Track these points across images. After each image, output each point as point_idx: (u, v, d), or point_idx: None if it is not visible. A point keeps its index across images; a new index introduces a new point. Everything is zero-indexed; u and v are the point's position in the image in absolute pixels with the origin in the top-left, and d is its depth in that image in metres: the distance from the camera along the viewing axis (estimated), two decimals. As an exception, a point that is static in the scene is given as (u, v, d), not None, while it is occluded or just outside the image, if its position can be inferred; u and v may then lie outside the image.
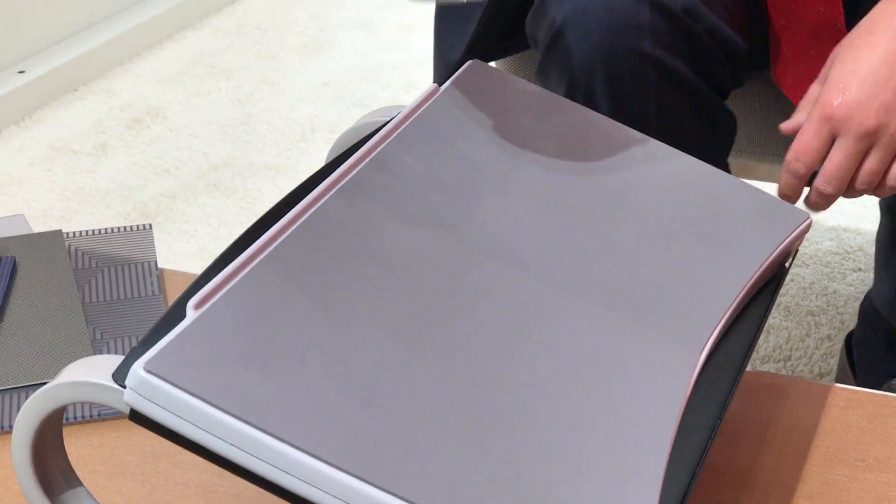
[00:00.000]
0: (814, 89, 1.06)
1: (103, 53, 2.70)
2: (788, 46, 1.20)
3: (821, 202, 1.04)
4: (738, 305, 0.83)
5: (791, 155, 1.03)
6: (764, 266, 0.86)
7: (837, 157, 1.01)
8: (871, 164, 1.01)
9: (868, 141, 1.00)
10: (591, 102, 1.08)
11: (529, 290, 0.79)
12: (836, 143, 1.01)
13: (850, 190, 1.03)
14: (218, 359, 0.67)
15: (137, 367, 0.66)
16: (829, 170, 1.01)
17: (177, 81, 2.65)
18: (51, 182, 2.26)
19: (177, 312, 0.71)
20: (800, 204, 0.97)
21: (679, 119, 1.10)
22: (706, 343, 0.78)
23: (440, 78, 1.22)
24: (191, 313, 0.70)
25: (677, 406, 0.73)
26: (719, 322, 0.80)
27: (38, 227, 2.07)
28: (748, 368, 0.94)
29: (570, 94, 1.10)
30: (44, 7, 2.64)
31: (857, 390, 0.96)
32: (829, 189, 1.02)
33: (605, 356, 0.75)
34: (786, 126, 1.06)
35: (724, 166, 1.17)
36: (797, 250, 0.92)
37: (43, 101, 2.56)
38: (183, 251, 2.05)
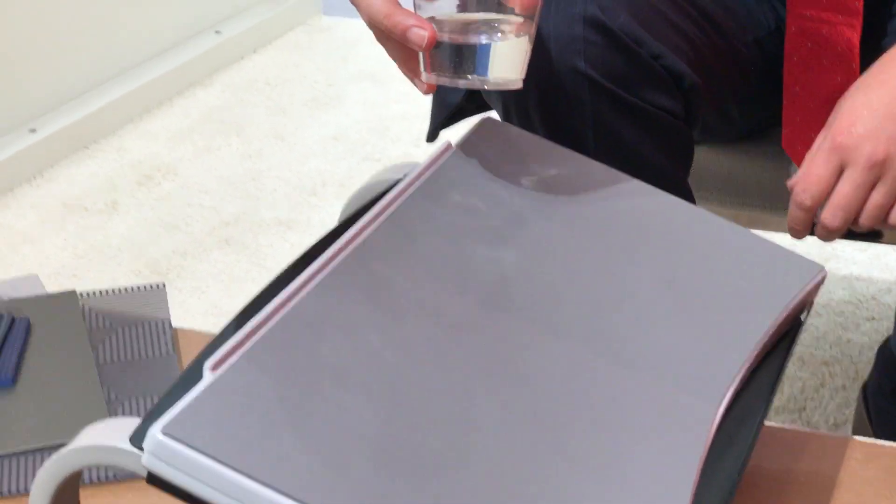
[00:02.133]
0: (821, 136, 1.06)
1: (114, 111, 2.72)
2: (801, 114, 1.20)
3: (827, 236, 1.04)
4: (754, 359, 0.83)
5: (799, 186, 1.02)
6: (780, 319, 0.85)
7: (845, 188, 1.00)
8: (879, 197, 1.01)
9: (877, 172, 1.00)
10: (526, 119, 1.07)
11: (548, 348, 0.78)
12: (845, 174, 1.00)
13: (856, 224, 1.03)
14: (236, 421, 0.67)
15: (155, 431, 0.66)
16: (836, 201, 1.01)
17: (187, 138, 2.66)
18: (63, 240, 2.27)
19: (193, 374, 0.71)
20: (815, 257, 0.97)
21: (621, 139, 1.07)
22: (724, 397, 0.78)
23: (437, 121, 1.22)
24: (207, 375, 0.70)
25: (696, 461, 0.73)
26: (737, 376, 0.80)
27: (50, 286, 2.07)
28: (770, 423, 0.93)
29: (506, 112, 1.09)
30: (54, 66, 2.65)
31: (875, 443, 0.95)
32: (835, 222, 1.01)
33: (624, 412, 0.75)
34: (791, 181, 1.06)
35: (685, 187, 1.15)
36: (812, 303, 0.92)
37: (54, 160, 2.57)
38: (195, 308, 2.04)
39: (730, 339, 0.83)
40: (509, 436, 0.72)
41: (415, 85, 0.93)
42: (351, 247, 0.82)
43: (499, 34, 0.89)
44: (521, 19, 0.89)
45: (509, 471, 0.70)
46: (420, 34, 0.87)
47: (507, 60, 0.90)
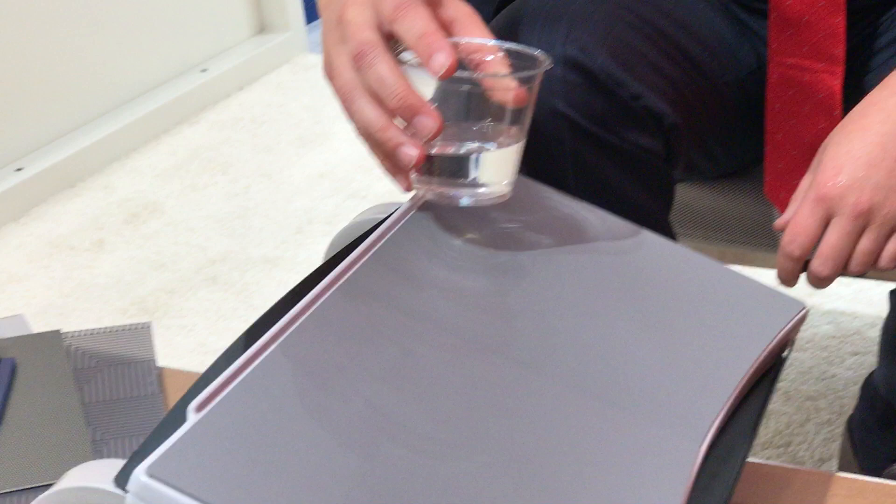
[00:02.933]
0: (805, 180, 1.06)
1: (100, 149, 2.72)
2: (784, 161, 1.21)
3: (818, 284, 1.04)
4: (737, 397, 0.83)
5: (787, 238, 1.03)
6: (761, 357, 0.86)
7: (833, 238, 1.01)
8: (866, 244, 1.01)
9: (863, 221, 1.00)
10: None
11: (532, 388, 0.79)
12: (832, 224, 1.01)
13: (846, 271, 1.03)
14: (220, 463, 0.67)
15: (139, 472, 0.66)
16: (825, 251, 1.01)
17: (174, 176, 2.66)
18: (49, 279, 2.27)
19: (177, 415, 0.71)
20: (797, 292, 0.97)
21: (602, 178, 1.07)
22: (706, 436, 0.78)
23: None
24: (192, 416, 0.70)
25: (680, 500, 0.73)
26: (719, 414, 0.80)
27: (36, 324, 2.07)
28: (753, 459, 0.93)
29: None
30: (41, 104, 2.66)
31: (859, 479, 0.95)
32: (825, 271, 1.02)
33: (607, 451, 0.75)
34: (779, 222, 1.06)
35: (666, 225, 1.15)
36: (794, 339, 0.93)
37: (41, 198, 2.57)
38: (182, 346, 2.05)
39: (712, 377, 0.83)
40: (495, 478, 0.72)
41: (395, 182, 0.91)
42: (335, 287, 0.82)
43: (488, 146, 0.88)
44: (511, 127, 0.88)
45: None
46: (409, 154, 0.85)
47: (495, 173, 0.89)
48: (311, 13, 3.59)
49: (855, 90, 1.17)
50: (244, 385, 0.73)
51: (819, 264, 1.02)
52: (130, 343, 1.16)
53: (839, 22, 1.15)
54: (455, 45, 0.87)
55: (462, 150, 0.88)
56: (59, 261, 2.33)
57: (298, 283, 0.84)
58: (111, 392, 1.09)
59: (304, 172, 2.65)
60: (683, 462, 0.76)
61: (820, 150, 1.06)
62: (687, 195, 1.40)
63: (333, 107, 3.10)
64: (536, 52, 0.89)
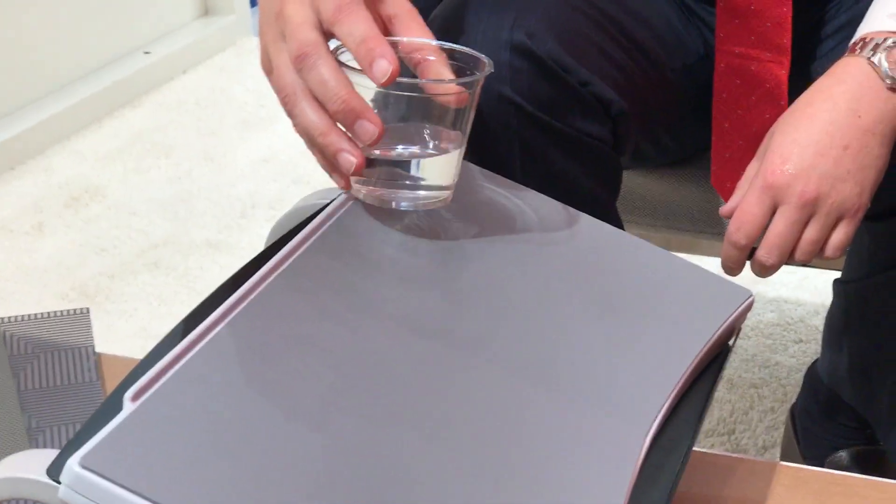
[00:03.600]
0: (752, 166, 1.06)
1: (41, 131, 2.69)
2: (730, 150, 1.21)
3: (763, 273, 1.05)
4: (682, 386, 0.82)
5: (733, 226, 1.03)
6: (707, 345, 0.85)
7: (779, 227, 1.01)
8: (812, 233, 1.01)
9: (809, 209, 1.00)
10: None
11: (474, 375, 0.78)
12: (778, 213, 1.01)
13: (791, 259, 1.03)
14: (156, 453, 0.66)
15: (72, 463, 0.64)
16: (771, 239, 1.01)
17: (116, 159, 2.63)
18: (-13, 262, 2.24)
19: (113, 404, 0.70)
20: (743, 280, 0.97)
21: (549, 165, 1.07)
22: (652, 424, 0.78)
23: None
24: (127, 405, 0.68)
25: (624, 490, 0.72)
26: (664, 404, 0.80)
27: (-26, 309, 2.05)
28: (698, 448, 0.93)
29: None
30: (-21, 86, 2.62)
31: (803, 468, 0.95)
32: (770, 259, 1.02)
33: (550, 440, 0.74)
34: (725, 209, 1.06)
35: (613, 213, 1.15)
36: (741, 328, 0.92)
37: (-21, 181, 2.54)
38: (123, 331, 2.02)
39: (658, 365, 0.82)
40: (437, 464, 0.71)
41: (332, 179, 0.89)
42: (276, 273, 0.81)
43: (430, 150, 0.87)
44: (452, 131, 0.87)
45: (433, 498, 0.69)
46: (349, 161, 0.84)
47: (437, 177, 0.88)
48: (256, -4, 3.56)
49: (801, 78, 1.17)
50: (182, 373, 0.71)
51: (765, 253, 1.02)
52: (69, 329, 1.14)
53: (786, 12, 1.15)
54: (396, 47, 0.86)
55: (403, 154, 0.87)
56: (-3, 244, 2.30)
57: (239, 269, 0.83)
58: (48, 379, 1.07)
59: (248, 156, 2.63)
60: (628, 453, 0.75)
61: (767, 137, 1.06)
62: (634, 182, 1.40)
63: (278, 91, 3.05)
64: (479, 55, 0.88)
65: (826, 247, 1.03)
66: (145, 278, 2.18)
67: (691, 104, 1.26)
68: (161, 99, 2.95)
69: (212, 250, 2.27)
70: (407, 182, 0.87)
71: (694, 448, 0.94)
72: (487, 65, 0.87)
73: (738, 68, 1.19)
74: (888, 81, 1.01)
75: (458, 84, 0.85)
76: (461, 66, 0.88)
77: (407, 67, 0.87)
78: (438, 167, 0.88)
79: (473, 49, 0.93)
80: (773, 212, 1.02)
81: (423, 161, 0.87)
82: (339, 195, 0.90)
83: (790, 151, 1.01)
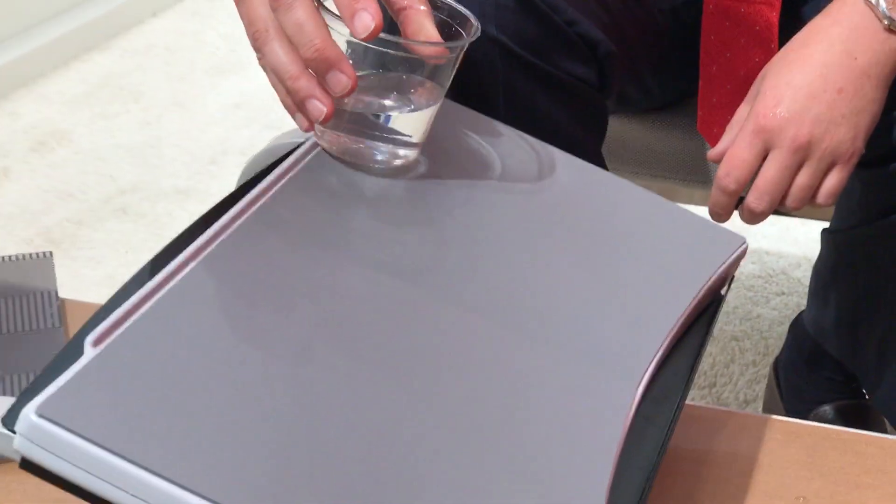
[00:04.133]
0: (742, 110, 1.04)
1: (6, 74, 2.64)
2: (718, 95, 1.18)
3: (752, 219, 1.03)
4: (675, 335, 0.79)
5: (722, 170, 1.01)
6: (701, 293, 0.82)
7: (770, 172, 0.99)
8: (804, 178, 1.00)
9: (801, 154, 0.98)
10: None
11: (461, 326, 0.74)
12: (769, 157, 0.99)
13: (782, 206, 1.01)
14: (117, 402, 0.62)
15: (28, 412, 0.60)
16: (762, 185, 0.99)
17: (83, 103, 2.58)
18: (-50, 207, 2.19)
19: (74, 349, 0.65)
20: (734, 226, 0.94)
21: (533, 107, 1.04)
22: (642, 377, 0.75)
23: None
24: (88, 351, 0.64)
25: (615, 443, 0.70)
26: (656, 354, 0.77)
27: (-64, 254, 2.00)
28: (691, 402, 0.90)
29: None
30: (-57, 26, 2.57)
31: (794, 422, 0.93)
32: (761, 205, 1.00)
33: (540, 393, 0.72)
34: (713, 153, 1.04)
35: (598, 157, 1.12)
36: (733, 276, 0.89)
37: (-57, 123, 2.49)
38: (89, 278, 1.98)
39: (650, 314, 0.80)
40: (419, 419, 0.67)
41: (294, 119, 0.85)
42: (246, 215, 0.77)
43: (404, 106, 0.83)
44: (430, 88, 0.84)
45: (419, 458, 0.65)
46: (318, 109, 0.80)
47: (408, 134, 0.84)
48: (229, -61, 3.50)
49: (793, 20, 1.15)
50: (147, 317, 0.67)
51: (755, 199, 1.00)
52: (31, 273, 1.10)
53: None
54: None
55: (375, 108, 0.83)
56: (-39, 189, 2.25)
57: (208, 210, 0.79)
58: (9, 325, 1.03)
59: (219, 102, 2.58)
60: (620, 404, 0.72)
61: (758, 78, 1.03)
62: (617, 128, 1.37)
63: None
64: (467, 13, 0.84)
65: (818, 193, 1.01)
66: (113, 225, 2.14)
67: (678, 48, 1.24)
68: (130, 43, 2.89)
69: (181, 197, 2.23)
70: (375, 134, 0.84)
71: (694, 402, 0.92)
72: (474, 26, 0.83)
73: (727, 10, 1.16)
74: (885, 22, 0.99)
75: (442, 47, 0.82)
76: (447, 21, 0.85)
77: (389, 14, 0.84)
78: (410, 123, 0.85)
79: None
80: (765, 156, 1.00)
81: (395, 116, 0.84)
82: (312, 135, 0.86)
83: (783, 94, 0.99)
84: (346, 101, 0.82)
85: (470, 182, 0.86)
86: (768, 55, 1.10)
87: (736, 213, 1.04)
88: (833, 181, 1.01)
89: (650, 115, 1.37)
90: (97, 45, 2.86)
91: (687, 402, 0.88)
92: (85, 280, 1.98)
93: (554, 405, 0.71)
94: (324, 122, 0.81)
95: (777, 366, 1.52)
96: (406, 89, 0.84)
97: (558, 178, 0.89)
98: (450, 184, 0.86)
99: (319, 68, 0.79)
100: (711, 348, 1.76)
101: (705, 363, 1.72)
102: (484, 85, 1.02)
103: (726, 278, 0.87)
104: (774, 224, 2.02)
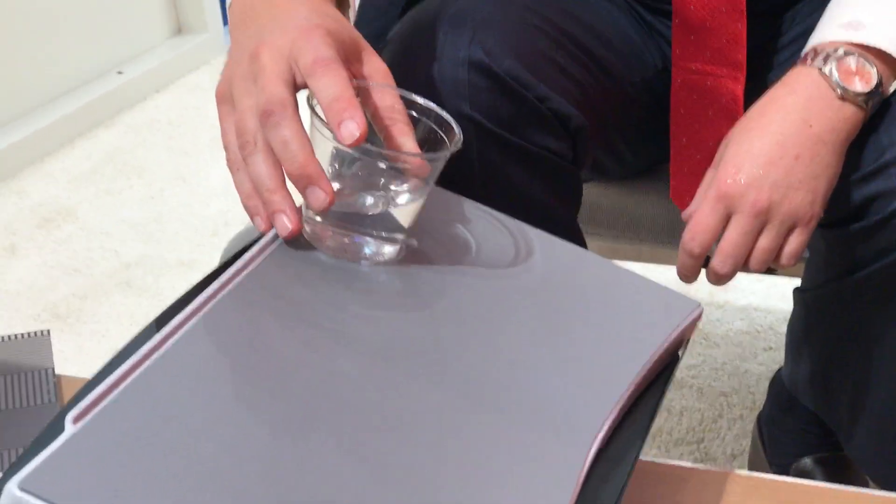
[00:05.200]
0: (707, 176, 1.07)
1: (14, 153, 2.68)
2: (688, 165, 1.21)
3: (718, 281, 1.05)
4: (630, 397, 0.82)
5: (687, 235, 1.04)
6: (655, 357, 0.85)
7: (733, 236, 1.02)
8: (766, 241, 1.02)
9: (762, 218, 1.01)
10: None
11: (417, 394, 0.77)
12: (732, 222, 1.02)
13: (746, 268, 1.04)
14: (97, 475, 0.66)
15: (11, 486, 0.64)
16: (725, 248, 1.02)
17: (88, 180, 2.63)
18: (-41, 285, 2.24)
19: (57, 425, 0.70)
20: (712, 289, 0.97)
21: (509, 181, 1.07)
22: (595, 439, 0.78)
23: None
24: (69, 427, 0.68)
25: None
26: (609, 416, 0.80)
27: (-55, 332, 2.04)
28: (653, 459, 0.93)
29: None
30: (-49, 109, 2.62)
31: (765, 478, 0.95)
32: (724, 268, 1.03)
33: (490, 458, 0.74)
34: (684, 214, 1.06)
35: (574, 227, 1.15)
36: (689, 339, 0.92)
37: (-48, 203, 2.54)
38: (94, 352, 2.02)
39: (605, 378, 0.82)
40: (379, 484, 0.71)
41: (252, 221, 0.88)
42: (223, 292, 0.81)
43: (392, 202, 0.86)
44: (415, 185, 0.87)
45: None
46: (285, 226, 0.85)
47: (394, 228, 0.88)
48: (229, 14, 3.56)
49: (758, 89, 1.18)
50: (125, 394, 0.71)
51: (719, 262, 1.03)
52: (29, 351, 1.14)
53: (741, 28, 1.16)
54: (369, 97, 0.87)
55: (363, 205, 0.86)
56: (-30, 267, 2.30)
57: (188, 290, 0.83)
58: (6, 402, 1.07)
59: (221, 175, 2.63)
60: (571, 466, 0.75)
61: (721, 146, 1.06)
62: (596, 195, 1.40)
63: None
64: (451, 120, 0.87)
65: (780, 255, 1.04)
66: (117, 299, 2.18)
67: (650, 117, 1.27)
68: (134, 119, 2.94)
69: (185, 269, 2.27)
70: (361, 230, 0.87)
71: (657, 460, 0.95)
72: (457, 136, 0.86)
73: (695, 84, 1.19)
74: (839, 91, 1.02)
75: (424, 159, 0.85)
76: (433, 129, 0.88)
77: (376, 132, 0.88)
78: (396, 220, 0.88)
79: (433, 68, 0.93)
80: (728, 220, 1.02)
81: (380, 212, 0.87)
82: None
83: (742, 161, 1.02)
84: (334, 200, 0.84)
85: (435, 257, 0.90)
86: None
87: (704, 274, 1.07)
88: (794, 244, 1.03)
89: (627, 182, 1.39)
90: (102, 122, 2.92)
91: (670, 458, 0.91)
92: (90, 353, 2.01)
93: (509, 469, 0.74)
94: (287, 237, 0.85)
95: (760, 420, 1.54)
96: (393, 188, 0.87)
97: (520, 252, 0.92)
98: (417, 260, 0.89)
99: (300, 183, 0.83)
100: (700, 404, 1.78)
101: (693, 419, 1.75)
102: (460, 161, 1.05)
103: (682, 341, 0.90)
104: (762, 281, 2.05)
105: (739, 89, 1.17)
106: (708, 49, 1.18)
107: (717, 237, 1.03)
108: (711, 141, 1.19)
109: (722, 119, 1.18)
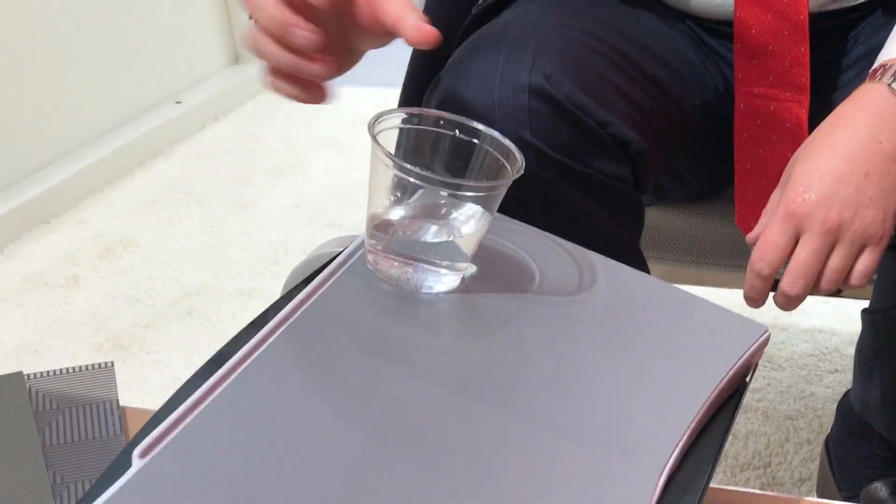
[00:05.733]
0: (774, 196, 1.06)
1: (75, 184, 2.71)
2: (753, 190, 1.20)
3: (787, 304, 1.03)
4: (698, 424, 0.82)
5: (756, 255, 1.02)
6: (722, 383, 0.84)
7: (803, 255, 1.00)
8: (836, 261, 1.00)
9: (832, 237, 0.99)
10: None
11: (492, 422, 0.77)
12: (801, 241, 1.00)
13: (816, 289, 1.02)
14: (164, 510, 0.66)
15: (81, 522, 0.64)
16: (795, 269, 1.00)
17: (148, 209, 2.65)
18: (23, 316, 2.25)
19: (125, 460, 0.70)
20: (761, 315, 0.96)
21: (570, 207, 1.06)
22: (666, 464, 0.77)
23: None
24: (136, 462, 0.69)
25: (638, 533, 0.72)
26: (679, 442, 0.79)
27: (10, 362, 2.06)
28: (719, 485, 0.92)
29: None
30: (14, 139, 2.65)
31: (818, 502, 0.94)
32: (795, 289, 1.01)
33: (564, 484, 0.74)
34: (751, 236, 1.05)
35: (636, 251, 1.14)
36: (757, 364, 0.91)
37: (15, 235, 2.56)
38: (156, 381, 2.03)
39: (673, 404, 0.82)
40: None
41: (301, 99, 0.93)
42: (284, 326, 0.81)
43: (454, 232, 0.87)
44: (478, 214, 0.87)
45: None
46: (304, 36, 0.89)
47: (456, 257, 0.88)
48: (286, 42, 3.57)
49: (822, 110, 1.17)
50: (190, 429, 0.71)
51: (789, 283, 1.01)
52: (93, 383, 1.14)
53: (804, 51, 1.15)
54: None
55: (425, 234, 0.87)
56: (33, 297, 2.31)
57: (249, 322, 0.83)
58: (72, 434, 1.07)
59: (280, 202, 2.64)
60: (642, 493, 0.74)
61: (788, 166, 1.05)
62: (659, 219, 1.39)
63: (309, 135, 3.09)
64: (513, 148, 0.87)
65: (851, 275, 1.02)
66: (179, 328, 2.19)
67: (711, 139, 1.26)
68: (192, 148, 2.97)
69: (245, 298, 2.28)
70: (424, 258, 0.87)
71: (721, 486, 0.94)
72: (519, 163, 0.86)
73: (758, 109, 1.18)
74: None
75: (486, 186, 0.85)
76: (495, 156, 0.88)
77: (435, 140, 0.89)
78: (458, 250, 0.88)
79: (493, 95, 0.93)
80: (797, 241, 1.01)
81: (443, 241, 0.87)
82: (353, 243, 0.90)
83: (811, 179, 1.00)
84: (398, 227, 0.85)
85: (502, 286, 0.89)
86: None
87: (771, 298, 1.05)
88: (865, 263, 1.01)
89: (689, 205, 1.39)
90: (161, 152, 2.94)
91: (735, 483, 0.90)
92: (153, 383, 2.02)
93: (581, 495, 0.74)
94: (310, 47, 0.88)
95: (828, 444, 1.52)
96: (455, 218, 0.87)
97: (586, 280, 0.92)
98: (483, 290, 0.89)
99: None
100: (766, 428, 1.77)
101: (759, 443, 1.73)
102: (521, 189, 1.05)
103: (749, 366, 0.89)
104: (826, 303, 2.03)
105: (804, 113, 1.16)
106: (771, 73, 1.17)
107: (787, 257, 1.01)
108: (776, 165, 1.17)
109: (786, 143, 1.17)
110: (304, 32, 0.87)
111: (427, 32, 0.86)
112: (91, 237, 2.53)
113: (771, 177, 1.18)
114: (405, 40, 0.87)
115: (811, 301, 2.05)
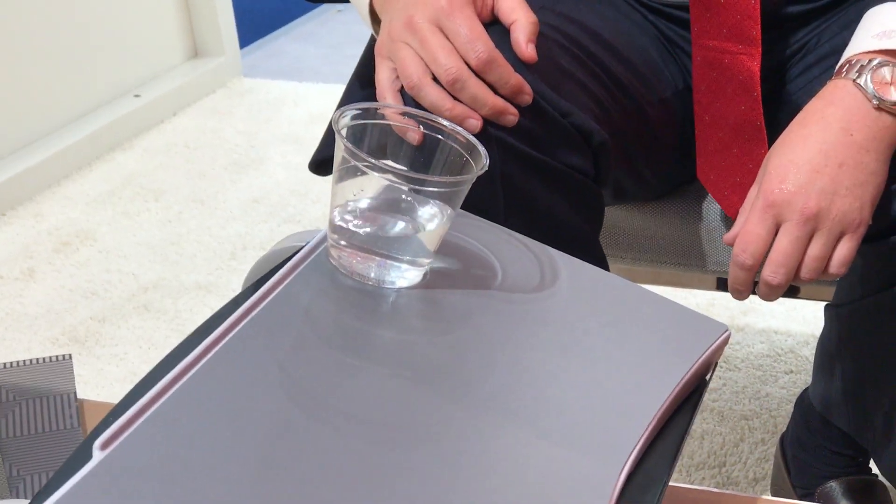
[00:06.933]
0: (752, 191, 1.07)
1: (31, 177, 2.69)
2: (712, 142, 1.22)
3: (770, 293, 1.05)
4: (658, 422, 0.82)
5: (738, 247, 1.04)
6: (683, 381, 0.85)
7: (783, 244, 1.02)
8: (816, 249, 1.02)
9: (811, 225, 1.01)
10: None
11: (449, 416, 0.77)
12: (781, 230, 1.02)
13: (797, 278, 1.04)
14: (126, 502, 0.65)
15: (41, 514, 0.64)
16: (776, 258, 1.02)
17: (106, 203, 2.63)
18: (-22, 309, 2.24)
19: (84, 452, 0.69)
20: (734, 310, 0.96)
21: (532, 199, 1.07)
22: (626, 463, 0.77)
23: (323, 153, 1.21)
24: (97, 454, 0.68)
25: (598, 529, 0.72)
26: (639, 439, 0.79)
27: (-36, 356, 2.04)
28: (679, 483, 0.93)
29: None
30: (-30, 133, 2.63)
31: (774, 501, 0.95)
32: (777, 279, 1.03)
33: (524, 480, 0.74)
34: (727, 236, 1.06)
35: (596, 246, 1.15)
36: (717, 363, 0.92)
37: (-30, 227, 2.54)
38: (112, 375, 2.02)
39: (634, 401, 0.82)
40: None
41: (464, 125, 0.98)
42: (246, 319, 0.81)
43: (418, 227, 0.87)
44: (440, 209, 0.87)
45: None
46: (474, 125, 0.98)
47: (419, 252, 0.88)
48: (245, 37, 3.57)
49: (788, 106, 1.19)
50: (150, 422, 0.71)
51: (771, 272, 1.02)
52: (50, 376, 1.14)
53: (754, 4, 1.17)
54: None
55: (389, 229, 0.87)
56: (-12, 291, 2.30)
57: (211, 315, 0.83)
58: (29, 427, 1.06)
59: (238, 197, 2.63)
60: (602, 490, 0.75)
61: (764, 161, 1.07)
62: (618, 217, 1.40)
63: (269, 131, 3.08)
64: (479, 145, 0.88)
65: (830, 263, 1.03)
66: (135, 322, 2.18)
67: (671, 137, 1.27)
68: (151, 142, 2.95)
69: (203, 293, 2.27)
70: (386, 254, 0.87)
71: (680, 484, 0.94)
72: (483, 161, 0.88)
73: (713, 61, 1.21)
74: (874, 102, 1.02)
75: (449, 182, 0.86)
76: (460, 153, 0.89)
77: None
78: (421, 244, 0.88)
79: None
80: (777, 231, 1.02)
81: (406, 236, 0.87)
82: (315, 237, 0.90)
83: (787, 171, 1.02)
84: (361, 222, 0.86)
85: (462, 281, 0.90)
86: (752, 102, 1.16)
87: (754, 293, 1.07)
88: (844, 250, 1.03)
89: (649, 204, 1.39)
90: (119, 145, 2.93)
91: (690, 482, 0.91)
92: (109, 377, 2.01)
93: (540, 491, 0.74)
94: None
95: (783, 442, 1.53)
96: (418, 213, 0.87)
97: (547, 276, 0.92)
98: (441, 283, 0.89)
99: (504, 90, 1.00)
100: (721, 428, 1.77)
101: (715, 443, 1.74)
102: (482, 179, 1.05)
103: (709, 365, 0.90)
104: (782, 303, 2.05)
105: (755, 66, 1.18)
106: (724, 25, 1.19)
107: (768, 248, 1.03)
108: (731, 117, 1.20)
109: (740, 95, 1.19)
110: (512, 117, 1.00)
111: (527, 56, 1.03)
112: (47, 230, 2.52)
113: (727, 129, 1.21)
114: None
115: (766, 303, 2.06)
